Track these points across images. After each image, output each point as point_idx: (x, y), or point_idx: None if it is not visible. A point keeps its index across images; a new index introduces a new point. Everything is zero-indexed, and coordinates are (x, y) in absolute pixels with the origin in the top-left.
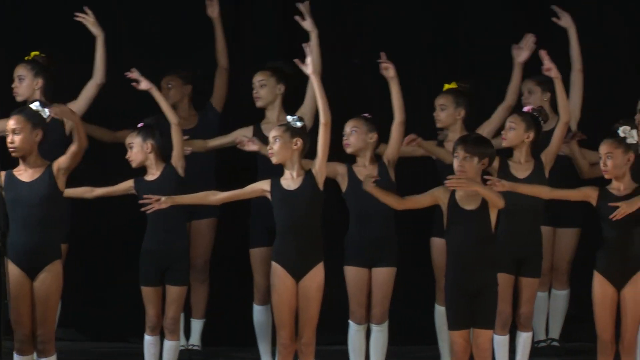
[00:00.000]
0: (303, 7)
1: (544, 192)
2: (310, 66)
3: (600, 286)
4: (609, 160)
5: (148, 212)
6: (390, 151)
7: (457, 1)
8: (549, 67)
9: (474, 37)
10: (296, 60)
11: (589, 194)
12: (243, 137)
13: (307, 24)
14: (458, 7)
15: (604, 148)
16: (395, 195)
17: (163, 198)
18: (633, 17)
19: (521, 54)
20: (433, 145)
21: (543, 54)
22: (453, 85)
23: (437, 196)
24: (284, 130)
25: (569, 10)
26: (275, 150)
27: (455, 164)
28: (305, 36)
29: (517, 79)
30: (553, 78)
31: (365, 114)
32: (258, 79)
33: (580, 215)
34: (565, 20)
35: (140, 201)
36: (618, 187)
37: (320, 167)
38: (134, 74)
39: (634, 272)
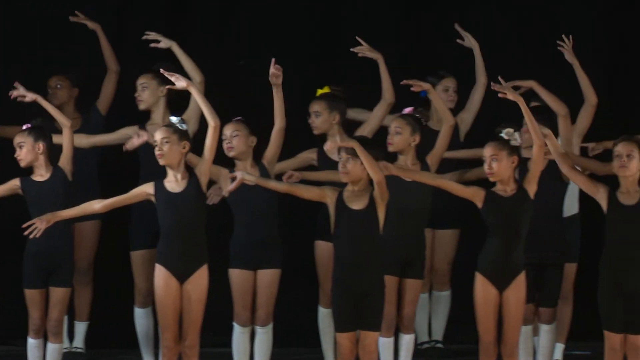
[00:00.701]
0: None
1: (429, 178)
2: (182, 80)
3: (482, 288)
4: (494, 162)
5: (30, 237)
6: (269, 154)
7: (339, 4)
8: None
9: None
10: (169, 74)
11: (475, 194)
12: (133, 133)
13: (164, 42)
14: (340, 9)
15: (488, 151)
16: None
17: (45, 216)
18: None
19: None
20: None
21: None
22: (326, 90)
23: (325, 194)
24: (172, 132)
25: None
26: (166, 152)
27: (340, 165)
28: (192, 38)
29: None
30: (427, 91)
31: (239, 118)
32: (140, 82)
33: (459, 216)
34: (469, 41)
35: (24, 225)
36: (504, 189)
37: (205, 169)
38: (18, 90)
39: (516, 274)
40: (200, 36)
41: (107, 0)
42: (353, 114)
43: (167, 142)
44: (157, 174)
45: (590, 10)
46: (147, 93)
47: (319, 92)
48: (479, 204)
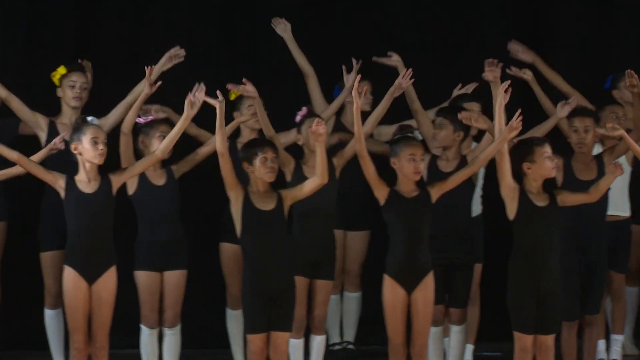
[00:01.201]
0: None
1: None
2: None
3: (390, 289)
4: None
5: None
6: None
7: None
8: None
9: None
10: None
11: (380, 191)
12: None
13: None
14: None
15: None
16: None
17: None
18: None
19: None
20: None
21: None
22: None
23: (235, 193)
24: (105, 133)
25: None
26: (105, 151)
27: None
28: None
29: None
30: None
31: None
32: (82, 80)
33: (370, 217)
34: (395, 60)
35: None
36: (406, 189)
37: (120, 173)
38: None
39: (423, 275)
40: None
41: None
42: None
43: (104, 142)
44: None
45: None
46: (85, 93)
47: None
48: (382, 202)
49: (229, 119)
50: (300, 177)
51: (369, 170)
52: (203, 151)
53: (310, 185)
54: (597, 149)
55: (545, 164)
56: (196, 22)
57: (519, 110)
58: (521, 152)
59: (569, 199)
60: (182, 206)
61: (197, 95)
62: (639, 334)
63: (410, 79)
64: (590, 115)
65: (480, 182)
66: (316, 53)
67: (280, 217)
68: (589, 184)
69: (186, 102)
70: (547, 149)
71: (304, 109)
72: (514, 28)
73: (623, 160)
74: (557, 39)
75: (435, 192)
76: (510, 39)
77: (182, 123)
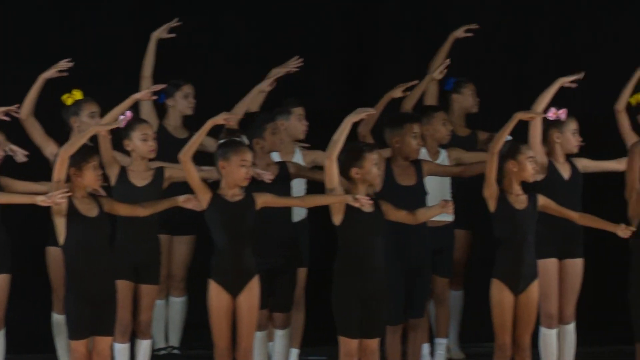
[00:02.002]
0: None
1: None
2: None
3: (215, 294)
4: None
5: None
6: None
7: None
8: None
9: None
10: None
11: (203, 194)
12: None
13: None
14: None
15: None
16: None
17: None
18: None
19: None
20: None
21: None
22: None
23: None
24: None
25: None
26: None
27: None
28: None
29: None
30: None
31: None
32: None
33: (196, 222)
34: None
35: None
36: (230, 193)
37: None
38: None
39: (248, 279)
40: None
41: None
42: None
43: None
44: None
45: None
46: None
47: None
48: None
49: None
50: (124, 183)
51: (192, 175)
52: None
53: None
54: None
55: (373, 171)
56: None
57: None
58: (350, 157)
59: (391, 213)
60: (9, 209)
61: None
62: (464, 338)
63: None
64: (419, 121)
65: (303, 187)
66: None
67: (103, 223)
68: (408, 189)
69: None
70: (375, 156)
71: (128, 114)
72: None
73: (444, 158)
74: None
75: (261, 200)
76: None
77: None
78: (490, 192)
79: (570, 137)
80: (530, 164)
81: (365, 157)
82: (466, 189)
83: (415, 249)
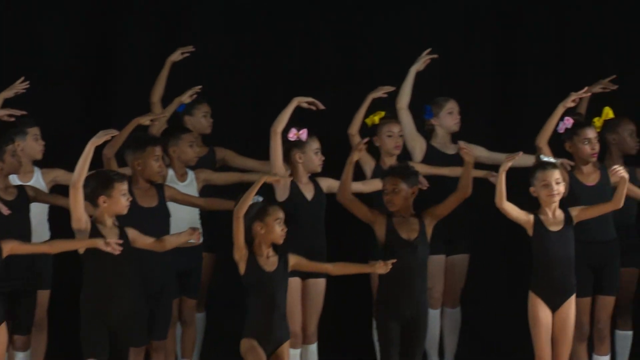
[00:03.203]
0: None
1: None
2: None
3: None
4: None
5: None
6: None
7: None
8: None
9: None
10: None
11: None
12: None
13: None
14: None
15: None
16: None
17: None
18: None
19: None
20: None
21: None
22: None
23: None
24: None
25: None
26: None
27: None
28: None
29: None
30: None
31: None
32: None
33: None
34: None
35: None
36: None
37: None
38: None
39: None
40: None
41: None
42: None
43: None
44: None
45: None
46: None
47: None
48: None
49: None
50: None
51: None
52: None
53: None
54: None
55: (121, 202)
56: None
57: None
58: (100, 184)
59: (138, 240)
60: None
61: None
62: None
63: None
64: (160, 144)
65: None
66: None
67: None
68: (150, 211)
69: None
70: (125, 186)
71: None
72: None
73: (192, 180)
74: None
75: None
76: None
77: None
78: (240, 255)
79: (312, 157)
80: (279, 226)
81: (115, 186)
82: (211, 212)
83: (157, 272)
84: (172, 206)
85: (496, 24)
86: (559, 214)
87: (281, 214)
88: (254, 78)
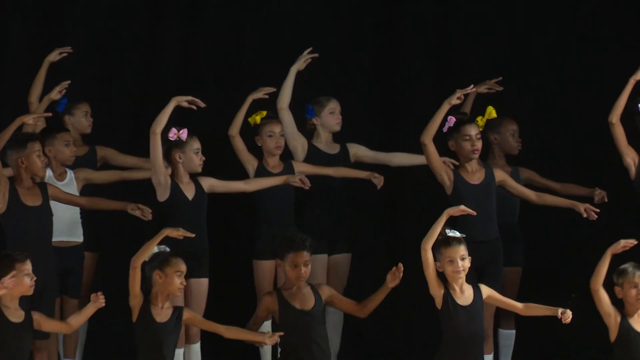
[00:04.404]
0: None
1: None
2: None
3: None
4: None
5: None
6: None
7: None
8: None
9: None
10: None
11: None
12: None
13: None
14: None
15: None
16: None
17: None
18: None
19: None
20: None
21: None
22: None
23: None
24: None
25: None
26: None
27: None
28: None
29: None
30: None
31: None
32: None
33: None
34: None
35: None
36: None
37: None
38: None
39: None
40: None
41: None
42: None
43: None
44: None
45: None
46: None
47: None
48: None
49: None
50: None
51: None
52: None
53: None
54: None
55: (24, 282)
56: None
57: None
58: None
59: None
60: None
61: None
62: None
63: None
64: (40, 140)
65: None
66: None
67: None
68: (34, 209)
69: None
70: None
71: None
72: None
73: (72, 179)
74: None
75: None
76: None
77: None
78: (134, 303)
79: (193, 157)
80: (179, 279)
81: (16, 267)
82: (92, 211)
83: (38, 271)
84: (52, 205)
85: (377, 21)
86: (467, 288)
87: (183, 267)
88: (134, 76)
